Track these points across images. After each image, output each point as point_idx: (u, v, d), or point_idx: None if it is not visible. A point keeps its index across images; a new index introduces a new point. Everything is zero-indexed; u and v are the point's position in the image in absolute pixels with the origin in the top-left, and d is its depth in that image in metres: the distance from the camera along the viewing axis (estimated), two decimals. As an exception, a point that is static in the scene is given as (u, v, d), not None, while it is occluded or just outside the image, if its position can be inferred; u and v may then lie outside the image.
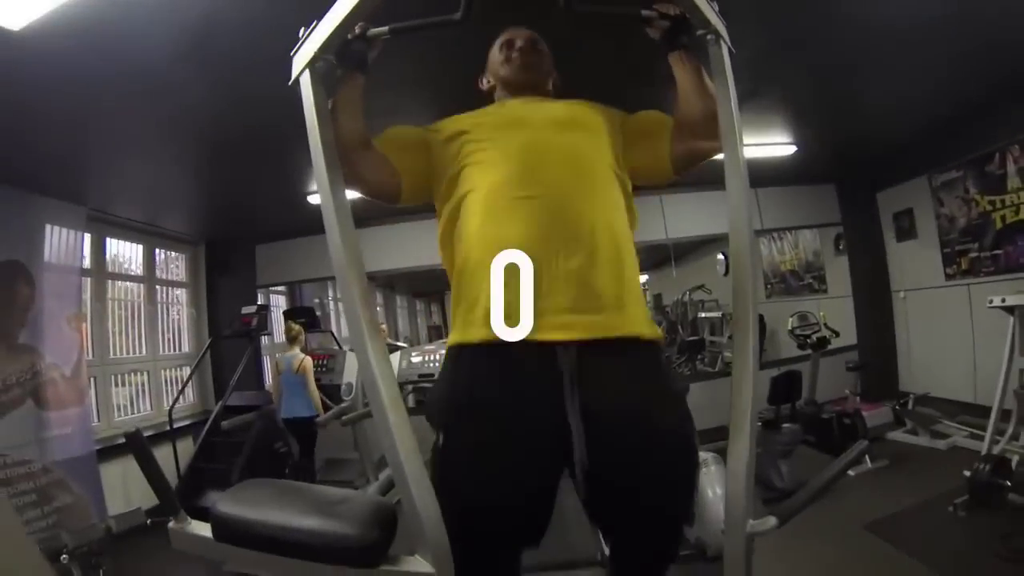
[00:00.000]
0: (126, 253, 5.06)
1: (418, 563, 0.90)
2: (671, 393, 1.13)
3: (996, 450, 3.37)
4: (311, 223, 4.68)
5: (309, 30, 1.03)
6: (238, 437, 3.94)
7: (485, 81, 1.49)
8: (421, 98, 2.98)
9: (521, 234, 1.07)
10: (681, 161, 1.26)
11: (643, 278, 10.35)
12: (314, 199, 4.30)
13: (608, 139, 1.25)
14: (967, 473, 3.06)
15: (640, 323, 1.11)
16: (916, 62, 3.10)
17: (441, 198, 1.25)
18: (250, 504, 0.99)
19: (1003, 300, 3.57)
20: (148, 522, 3.93)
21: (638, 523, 1.10)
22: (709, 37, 1.06)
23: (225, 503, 0.99)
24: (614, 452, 1.01)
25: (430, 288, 10.20)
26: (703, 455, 2.68)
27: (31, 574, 0.42)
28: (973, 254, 4.60)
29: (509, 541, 1.10)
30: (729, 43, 1.08)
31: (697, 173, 1.36)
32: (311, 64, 1.02)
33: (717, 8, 1.07)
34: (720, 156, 1.10)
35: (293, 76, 1.06)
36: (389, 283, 9.17)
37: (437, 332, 10.61)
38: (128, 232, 4.84)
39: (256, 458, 3.88)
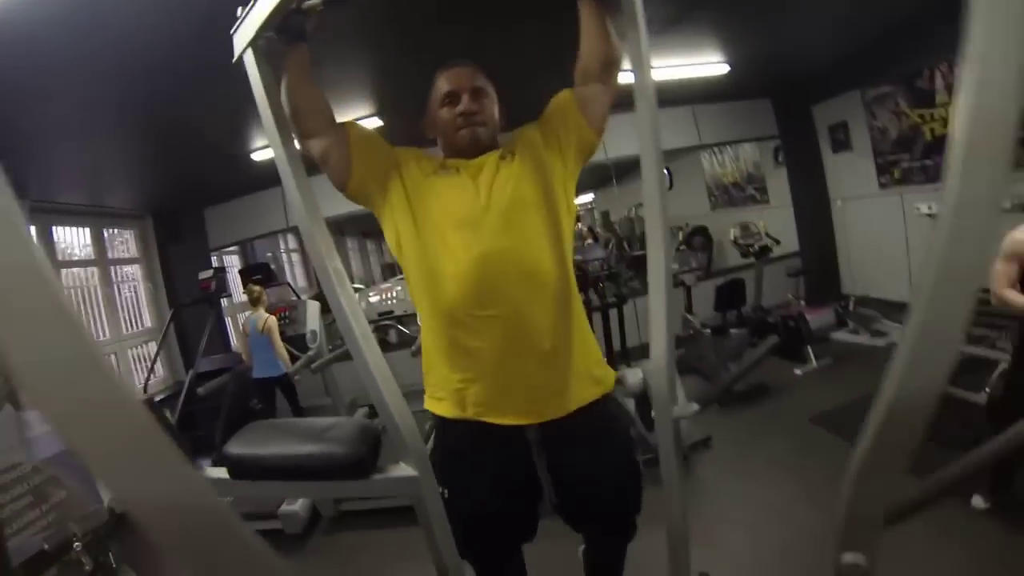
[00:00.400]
0: (74, 239, 4.92)
1: (403, 469, 1.08)
2: (616, 434, 1.46)
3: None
4: (257, 179, 4.68)
5: (247, 9, 1.05)
6: (214, 401, 4.00)
7: (428, 129, 1.46)
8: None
9: (481, 346, 1.27)
10: (596, 121, 1.35)
11: (589, 197, 10.43)
12: (258, 156, 4.26)
13: (549, 193, 1.32)
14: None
15: (585, 393, 1.35)
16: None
17: (395, 251, 1.40)
18: (255, 443, 1.14)
19: (930, 207, 3.82)
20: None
21: (600, 528, 1.52)
22: None
23: (234, 446, 1.14)
24: (576, 486, 1.40)
25: (379, 227, 10.00)
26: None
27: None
28: (905, 164, 4.80)
29: (509, 544, 1.47)
30: None
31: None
32: (253, 42, 1.06)
33: None
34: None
35: (236, 55, 1.10)
36: (339, 228, 9.14)
37: (391, 270, 10.77)
38: (74, 217, 4.72)
39: (234, 418, 3.95)
